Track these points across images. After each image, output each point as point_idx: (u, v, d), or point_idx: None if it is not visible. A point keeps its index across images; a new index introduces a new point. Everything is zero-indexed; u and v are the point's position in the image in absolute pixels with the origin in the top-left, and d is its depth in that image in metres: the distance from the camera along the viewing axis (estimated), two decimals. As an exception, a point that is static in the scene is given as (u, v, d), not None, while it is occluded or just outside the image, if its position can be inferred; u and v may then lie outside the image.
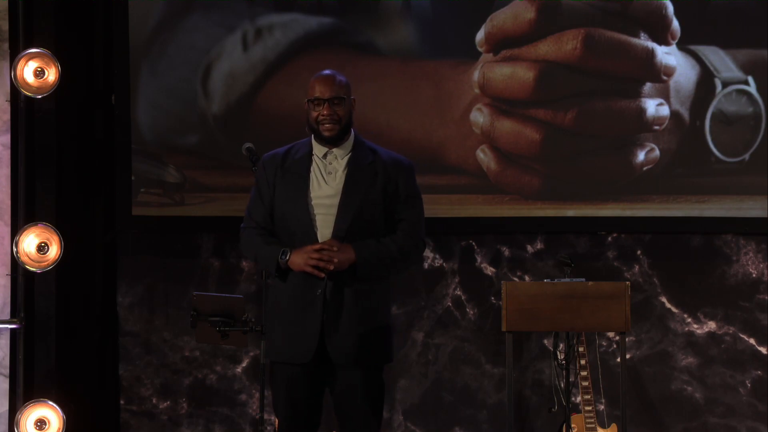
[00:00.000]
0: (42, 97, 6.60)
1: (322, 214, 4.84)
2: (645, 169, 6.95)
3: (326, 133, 4.84)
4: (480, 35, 6.96)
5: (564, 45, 6.92)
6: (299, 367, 4.84)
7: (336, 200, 4.83)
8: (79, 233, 6.90)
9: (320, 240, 4.82)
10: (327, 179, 4.87)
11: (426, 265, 7.09)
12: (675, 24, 6.91)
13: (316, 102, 4.83)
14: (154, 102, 7.07)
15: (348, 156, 4.89)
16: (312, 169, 4.88)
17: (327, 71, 4.90)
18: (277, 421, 6.60)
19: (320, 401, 4.91)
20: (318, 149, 4.91)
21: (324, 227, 4.83)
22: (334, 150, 4.89)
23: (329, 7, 7.01)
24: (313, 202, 4.84)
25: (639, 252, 7.08)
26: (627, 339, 6.67)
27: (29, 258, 6.53)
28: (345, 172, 4.87)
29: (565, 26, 6.92)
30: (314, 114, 4.85)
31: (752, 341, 7.03)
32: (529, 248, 7.12)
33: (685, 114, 6.95)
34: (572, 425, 6.52)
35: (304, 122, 4.94)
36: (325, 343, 4.82)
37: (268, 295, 5.01)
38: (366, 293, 4.84)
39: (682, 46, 6.92)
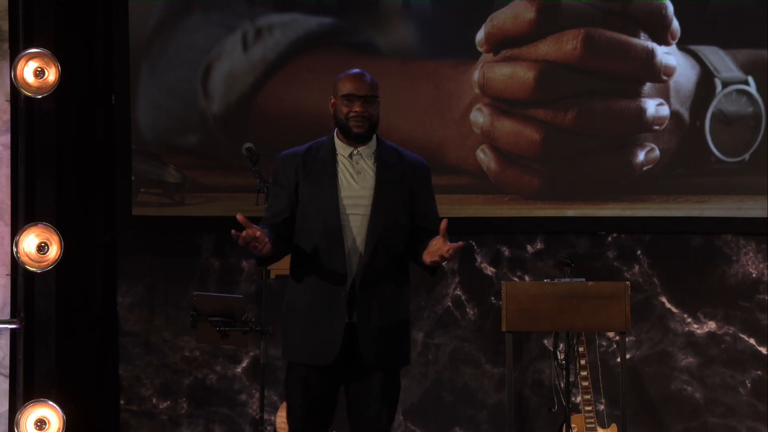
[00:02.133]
0: (42, 97, 6.60)
1: (355, 213, 4.76)
2: (645, 169, 6.96)
3: (356, 130, 4.77)
4: (480, 35, 6.96)
5: (564, 45, 6.92)
6: (318, 368, 4.81)
7: (369, 200, 4.77)
8: (79, 233, 6.90)
9: (349, 240, 4.76)
10: (357, 178, 4.80)
11: (426, 265, 7.09)
12: (675, 24, 6.91)
13: (349, 98, 4.76)
14: (154, 102, 7.08)
15: (374, 155, 4.83)
16: (339, 168, 4.81)
17: (358, 70, 4.83)
18: (276, 420, 6.61)
19: (335, 401, 4.88)
20: (343, 149, 4.83)
21: (358, 226, 4.77)
22: (360, 149, 4.82)
23: (329, 7, 7.01)
24: (344, 202, 4.77)
25: (639, 252, 7.08)
26: (627, 339, 6.68)
27: (29, 258, 6.53)
28: (374, 171, 4.81)
29: (565, 26, 6.92)
30: (345, 110, 4.77)
31: (752, 341, 7.03)
32: (529, 248, 7.12)
33: (685, 114, 6.95)
34: (572, 425, 6.52)
35: (331, 118, 4.84)
36: (348, 344, 4.79)
37: (286, 294, 4.93)
38: (391, 296, 4.80)
39: (682, 46, 6.92)
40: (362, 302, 4.75)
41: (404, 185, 4.83)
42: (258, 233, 4.63)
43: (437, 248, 4.65)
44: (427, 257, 4.68)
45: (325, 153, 4.84)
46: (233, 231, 4.60)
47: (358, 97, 4.76)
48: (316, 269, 4.79)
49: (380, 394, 4.82)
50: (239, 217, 4.59)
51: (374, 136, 4.87)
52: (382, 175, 4.81)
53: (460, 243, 4.65)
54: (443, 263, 4.73)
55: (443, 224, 4.64)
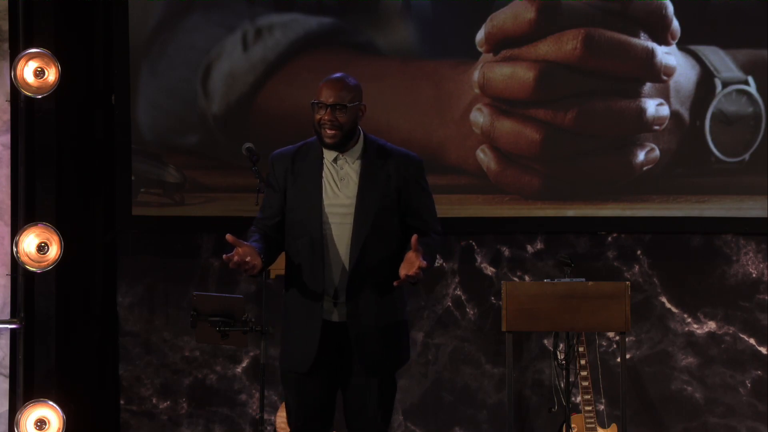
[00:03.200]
0: (42, 97, 6.60)
1: (337, 222, 4.75)
2: (645, 169, 6.96)
3: (327, 139, 4.74)
4: (480, 35, 6.96)
5: (564, 45, 6.92)
6: (308, 373, 4.79)
7: (351, 209, 4.75)
8: (79, 233, 6.90)
9: (332, 248, 4.74)
10: (340, 186, 4.77)
11: (426, 265, 7.08)
12: (675, 24, 6.91)
13: (319, 105, 4.74)
14: (154, 102, 7.08)
15: (359, 160, 4.80)
16: (324, 174, 4.79)
17: (337, 75, 4.80)
18: (276, 420, 6.61)
19: (333, 404, 4.88)
20: (328, 154, 4.80)
21: (340, 236, 4.75)
22: (344, 155, 4.79)
23: (329, 7, 7.01)
24: (327, 210, 4.75)
25: (639, 252, 7.08)
26: (627, 339, 6.67)
27: (29, 258, 6.53)
28: (358, 178, 4.78)
29: (565, 26, 6.92)
30: (316, 117, 4.75)
31: (752, 341, 7.03)
32: (529, 248, 7.12)
33: (685, 114, 6.95)
34: (572, 425, 6.52)
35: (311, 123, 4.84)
36: (341, 348, 4.80)
37: (285, 298, 4.95)
38: (382, 300, 4.77)
39: (682, 46, 6.92)
40: (350, 309, 4.74)
41: (389, 188, 4.78)
42: (248, 254, 4.63)
43: (410, 264, 4.62)
44: (402, 271, 4.64)
45: (312, 157, 4.82)
46: (224, 255, 4.62)
47: (325, 105, 4.73)
48: (300, 277, 4.79)
49: (376, 396, 4.81)
50: (228, 237, 4.59)
51: (361, 138, 4.83)
52: (364, 182, 4.77)
53: (425, 263, 4.59)
54: (413, 282, 4.66)
55: (413, 239, 4.60)
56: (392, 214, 4.79)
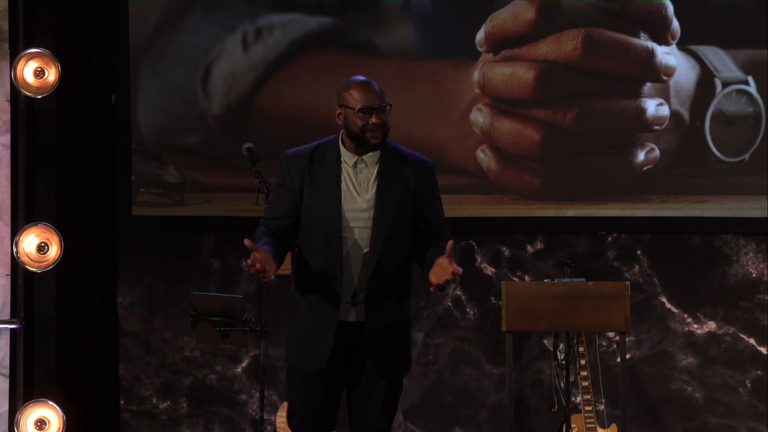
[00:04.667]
0: (42, 97, 6.60)
1: (357, 227, 4.73)
2: (645, 169, 6.96)
3: (374, 141, 4.70)
4: (480, 35, 6.96)
5: (564, 45, 6.92)
6: (316, 374, 4.79)
7: (370, 213, 4.73)
8: (79, 233, 6.90)
9: (350, 252, 4.74)
10: (359, 190, 4.75)
11: (426, 265, 7.08)
12: (675, 24, 6.91)
13: (365, 110, 4.68)
14: (154, 102, 7.08)
15: (378, 164, 4.77)
16: (342, 177, 4.76)
17: (364, 78, 4.76)
18: (276, 420, 6.61)
19: (337, 404, 4.87)
20: (348, 156, 4.77)
21: (359, 238, 4.74)
22: (365, 158, 4.77)
23: (329, 7, 7.02)
24: (346, 215, 4.73)
25: (639, 252, 7.08)
26: (627, 339, 6.67)
27: (29, 258, 6.53)
28: (376, 182, 4.76)
29: (565, 26, 6.92)
30: (361, 123, 4.68)
31: (752, 341, 7.03)
32: (529, 248, 7.12)
33: (685, 114, 6.95)
34: (572, 425, 6.52)
35: (341, 127, 4.76)
36: (349, 349, 4.80)
37: (290, 299, 4.93)
38: (394, 305, 4.77)
39: (682, 46, 6.92)
40: (364, 312, 4.74)
41: (407, 192, 4.77)
42: (265, 260, 4.59)
43: (443, 269, 4.60)
44: (434, 278, 4.62)
45: (330, 160, 4.78)
46: (244, 262, 4.58)
47: (372, 108, 4.69)
48: (316, 279, 4.77)
49: (382, 399, 4.81)
50: (247, 242, 4.55)
51: None
52: (383, 187, 4.75)
53: (460, 270, 4.58)
54: (443, 288, 4.65)
55: (449, 246, 4.59)
56: (409, 218, 4.78)
